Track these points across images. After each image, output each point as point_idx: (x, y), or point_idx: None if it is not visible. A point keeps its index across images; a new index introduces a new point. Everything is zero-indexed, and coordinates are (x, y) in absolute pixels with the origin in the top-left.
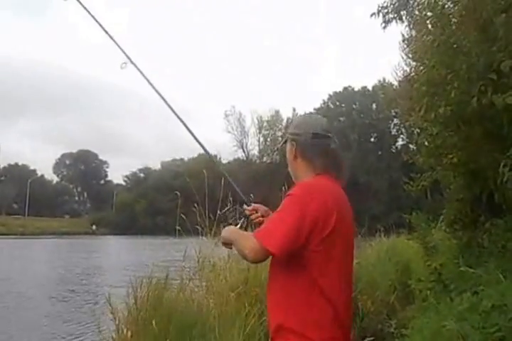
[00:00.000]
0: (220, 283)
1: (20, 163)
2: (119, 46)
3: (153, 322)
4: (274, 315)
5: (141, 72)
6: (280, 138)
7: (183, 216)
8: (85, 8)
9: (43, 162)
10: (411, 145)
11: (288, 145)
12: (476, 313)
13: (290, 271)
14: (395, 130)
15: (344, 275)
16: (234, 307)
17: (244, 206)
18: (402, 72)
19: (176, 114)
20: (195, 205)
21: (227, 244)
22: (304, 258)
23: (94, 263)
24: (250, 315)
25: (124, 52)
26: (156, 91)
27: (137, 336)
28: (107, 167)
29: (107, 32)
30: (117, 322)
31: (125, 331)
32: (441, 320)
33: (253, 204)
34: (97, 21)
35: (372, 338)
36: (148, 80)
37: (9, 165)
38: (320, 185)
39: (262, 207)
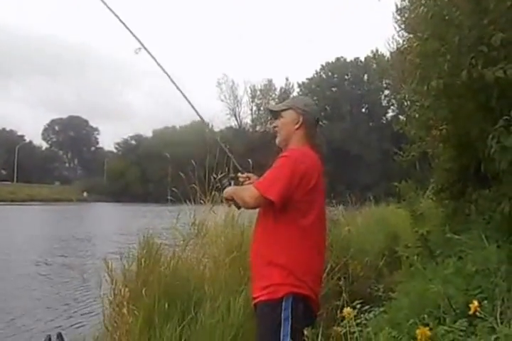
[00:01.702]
0: (215, 248)
1: (7, 129)
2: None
3: (145, 289)
4: (264, 252)
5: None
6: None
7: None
8: None
9: (31, 128)
10: (401, 117)
11: (293, 115)
12: (461, 277)
13: (279, 215)
14: (385, 101)
15: (321, 216)
16: (228, 272)
17: (239, 174)
18: (395, 43)
19: (176, 87)
20: (191, 172)
21: (229, 200)
22: (291, 205)
23: (92, 230)
24: (245, 279)
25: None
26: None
27: (133, 298)
28: (98, 134)
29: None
30: (113, 285)
31: (123, 291)
32: (427, 283)
33: (246, 173)
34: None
35: (361, 301)
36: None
37: None
38: (307, 152)
39: (253, 176)
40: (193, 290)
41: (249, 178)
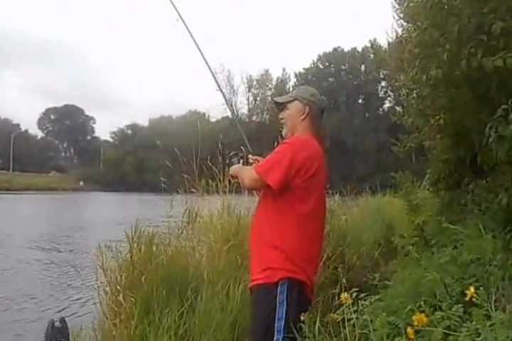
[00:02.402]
0: (211, 237)
1: (2, 117)
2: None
3: (143, 277)
4: (264, 235)
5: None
6: (270, 98)
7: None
8: None
9: (27, 117)
10: (397, 108)
11: (299, 105)
12: (456, 265)
13: (278, 199)
14: (382, 92)
15: (319, 204)
16: (225, 260)
17: (250, 155)
18: (394, 33)
19: (206, 62)
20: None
21: (234, 177)
22: (288, 191)
23: (90, 218)
24: (242, 267)
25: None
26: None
27: (128, 285)
28: (94, 123)
29: None
30: (109, 273)
31: (118, 278)
32: (422, 272)
33: (256, 156)
34: None
35: (357, 289)
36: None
37: None
38: (310, 142)
39: (261, 159)
40: (191, 278)
41: (258, 161)
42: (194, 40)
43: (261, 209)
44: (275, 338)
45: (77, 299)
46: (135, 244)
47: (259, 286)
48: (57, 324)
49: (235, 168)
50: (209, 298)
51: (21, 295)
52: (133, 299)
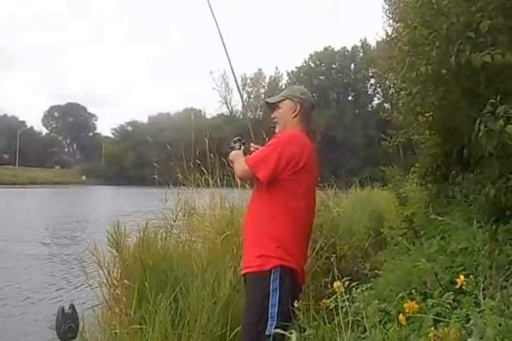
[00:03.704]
0: (205, 228)
1: (9, 115)
2: None
3: (135, 270)
4: (258, 223)
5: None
6: (263, 95)
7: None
8: None
9: (32, 114)
10: (386, 105)
11: (290, 104)
12: (445, 255)
13: (270, 190)
14: (371, 90)
15: (309, 196)
16: (221, 250)
17: (252, 144)
18: (384, 32)
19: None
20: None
21: (231, 161)
22: (278, 183)
23: (92, 211)
24: (237, 256)
25: None
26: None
27: (125, 279)
28: (96, 120)
29: None
30: (107, 267)
31: (115, 272)
32: (412, 261)
33: (257, 145)
34: None
35: (349, 278)
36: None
37: None
38: (300, 136)
39: (262, 148)
40: (184, 267)
41: (258, 149)
42: (218, 28)
43: (255, 199)
44: (269, 323)
45: (82, 287)
46: (121, 241)
47: (253, 274)
48: (66, 310)
49: (234, 155)
50: (200, 284)
51: (27, 289)
52: (128, 288)
